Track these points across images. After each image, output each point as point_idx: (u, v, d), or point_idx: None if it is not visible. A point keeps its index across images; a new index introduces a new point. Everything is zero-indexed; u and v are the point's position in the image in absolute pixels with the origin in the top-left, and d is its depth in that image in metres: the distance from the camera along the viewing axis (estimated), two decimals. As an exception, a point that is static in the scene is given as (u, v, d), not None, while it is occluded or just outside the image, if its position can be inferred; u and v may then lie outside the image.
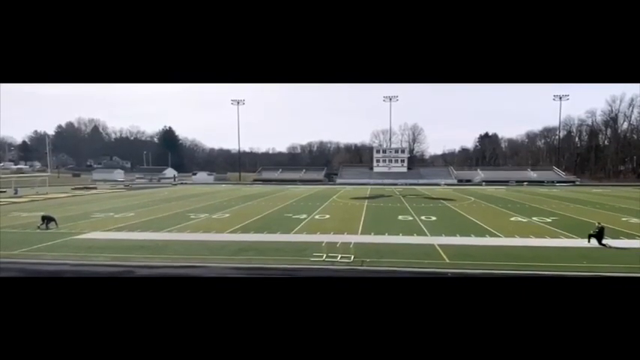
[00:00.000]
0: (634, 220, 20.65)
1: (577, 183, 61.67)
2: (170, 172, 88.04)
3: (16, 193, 38.14)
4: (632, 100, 77.92)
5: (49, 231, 17.64)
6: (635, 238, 15.56)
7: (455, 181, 65.47)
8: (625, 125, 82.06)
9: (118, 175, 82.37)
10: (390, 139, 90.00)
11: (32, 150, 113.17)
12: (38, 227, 18.20)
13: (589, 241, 14.29)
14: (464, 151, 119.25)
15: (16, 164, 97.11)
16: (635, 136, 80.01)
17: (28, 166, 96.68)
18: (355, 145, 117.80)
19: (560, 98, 70.23)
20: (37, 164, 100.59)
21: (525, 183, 59.95)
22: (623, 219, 20.98)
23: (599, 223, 14.77)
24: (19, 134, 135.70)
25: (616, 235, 15.95)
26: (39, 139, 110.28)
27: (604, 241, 14.07)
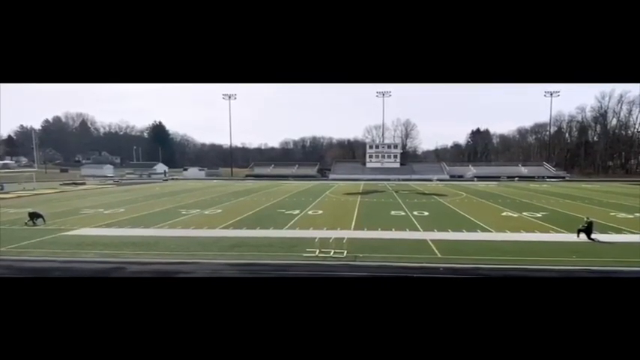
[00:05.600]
0: (622, 214, 21.05)
1: (567, 178, 62.71)
2: (161, 167, 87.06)
3: (2, 189, 37.42)
4: (621, 96, 79.32)
5: (37, 227, 17.34)
6: (622, 233, 15.86)
7: (447, 177, 66.02)
8: (614, 121, 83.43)
9: (108, 170, 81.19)
10: (382, 134, 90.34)
11: (18, 145, 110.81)
12: (26, 224, 17.88)
13: (578, 236, 14.51)
14: (456, 146, 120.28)
15: (1, 159, 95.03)
16: (623, 132, 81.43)
17: (14, 162, 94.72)
18: (348, 141, 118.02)
19: (551, 94, 71.08)
20: (24, 159, 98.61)
21: (516, 178, 60.71)
22: (612, 214, 21.37)
23: (587, 218, 15.00)
24: (4, 129, 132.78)
25: (604, 229, 16.24)
26: (25, 133, 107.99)
27: (593, 236, 14.31)
